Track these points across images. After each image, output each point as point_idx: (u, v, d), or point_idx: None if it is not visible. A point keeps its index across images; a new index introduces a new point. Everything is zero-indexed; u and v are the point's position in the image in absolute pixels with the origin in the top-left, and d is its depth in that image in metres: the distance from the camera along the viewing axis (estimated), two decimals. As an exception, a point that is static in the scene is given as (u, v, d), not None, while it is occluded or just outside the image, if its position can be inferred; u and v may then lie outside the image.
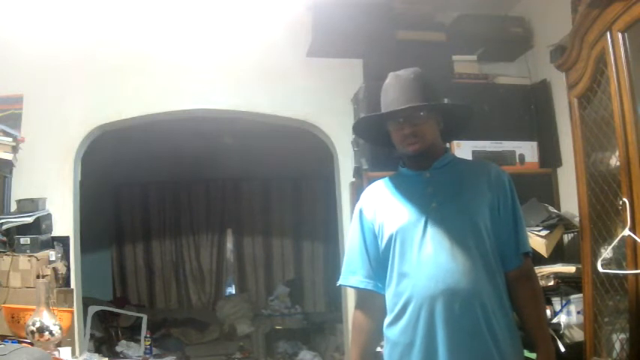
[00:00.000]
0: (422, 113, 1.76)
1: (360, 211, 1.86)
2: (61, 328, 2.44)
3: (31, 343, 2.38)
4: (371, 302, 1.82)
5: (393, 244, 1.74)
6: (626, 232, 1.92)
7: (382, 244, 1.78)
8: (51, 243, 3.04)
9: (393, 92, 1.79)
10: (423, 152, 1.78)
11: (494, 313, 1.66)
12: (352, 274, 1.84)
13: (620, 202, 1.97)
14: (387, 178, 1.90)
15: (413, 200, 1.77)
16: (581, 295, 2.31)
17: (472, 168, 1.87)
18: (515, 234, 1.74)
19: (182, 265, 7.08)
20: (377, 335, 1.82)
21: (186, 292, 7.04)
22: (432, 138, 1.79)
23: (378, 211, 1.81)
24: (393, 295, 1.74)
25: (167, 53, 3.40)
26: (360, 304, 1.87)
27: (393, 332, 1.73)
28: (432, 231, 1.70)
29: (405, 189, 1.82)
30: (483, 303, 1.64)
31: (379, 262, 1.79)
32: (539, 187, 3.11)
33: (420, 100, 1.76)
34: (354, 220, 1.87)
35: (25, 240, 2.87)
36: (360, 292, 1.86)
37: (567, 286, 2.53)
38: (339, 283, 1.87)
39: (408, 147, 1.77)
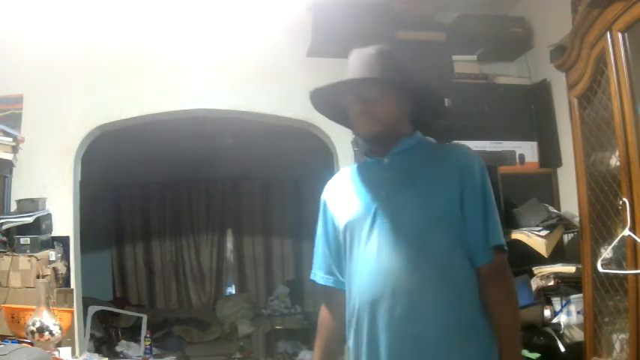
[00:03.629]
0: (376, 90, 1.56)
1: (324, 202, 1.71)
2: (61, 328, 2.44)
3: (31, 343, 2.38)
4: (332, 299, 1.69)
5: (344, 238, 1.60)
6: (626, 232, 1.92)
7: (340, 238, 1.63)
8: (51, 243, 3.03)
9: (351, 67, 1.64)
10: (378, 135, 1.58)
11: (448, 317, 1.45)
12: (317, 269, 1.72)
13: (620, 202, 1.97)
14: (353, 166, 1.75)
15: (366, 190, 1.60)
16: (581, 295, 2.31)
17: (437, 153, 1.65)
18: (484, 226, 1.53)
19: (182, 265, 7.08)
20: (338, 334, 1.69)
21: (186, 292, 7.04)
22: (389, 120, 1.58)
23: (336, 202, 1.67)
24: (347, 296, 1.60)
25: (167, 53, 3.40)
26: (324, 301, 1.74)
27: (348, 337, 1.60)
28: (380, 224, 1.52)
29: (363, 177, 1.64)
30: (434, 306, 1.45)
31: (341, 256, 1.65)
32: (539, 187, 3.11)
33: (376, 75, 1.57)
34: (320, 212, 1.73)
35: (25, 240, 2.86)
36: (324, 288, 1.72)
37: (567, 286, 2.53)
38: (311, 278, 1.75)
39: (360, 127, 1.60)
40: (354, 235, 1.56)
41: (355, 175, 1.68)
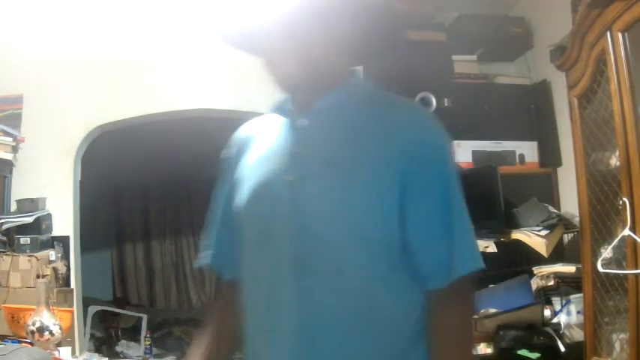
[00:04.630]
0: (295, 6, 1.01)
1: (226, 161, 1.20)
2: (61, 328, 2.44)
3: (31, 343, 2.38)
4: (223, 290, 1.22)
5: (237, 232, 1.12)
6: (626, 232, 1.92)
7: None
8: (51, 243, 3.04)
9: None
10: (296, 82, 1.05)
11: None
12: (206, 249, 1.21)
13: (620, 202, 1.97)
14: (264, 117, 1.20)
15: (267, 167, 1.06)
16: (581, 295, 2.31)
17: (379, 115, 1.04)
18: (441, 240, 1.00)
19: (182, 265, 7.08)
20: (228, 341, 1.19)
21: (186, 292, 7.04)
22: (319, 56, 1.04)
23: (235, 173, 1.15)
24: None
25: (167, 53, 3.40)
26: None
27: None
28: (278, 225, 1.01)
29: (268, 144, 1.10)
30: (337, 348, 0.98)
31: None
32: (539, 187, 3.11)
33: None
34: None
35: (25, 240, 2.86)
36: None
37: (567, 286, 2.53)
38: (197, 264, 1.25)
39: (272, 69, 1.06)
40: (245, 233, 1.08)
41: (260, 136, 1.15)
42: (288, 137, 1.07)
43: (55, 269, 2.90)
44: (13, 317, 2.49)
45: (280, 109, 1.12)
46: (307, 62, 1.03)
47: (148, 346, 4.96)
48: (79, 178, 3.33)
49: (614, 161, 2.11)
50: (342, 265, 0.98)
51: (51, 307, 2.46)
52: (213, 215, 1.22)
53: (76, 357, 2.79)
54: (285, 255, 1.00)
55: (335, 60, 1.07)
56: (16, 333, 2.48)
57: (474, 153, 3.12)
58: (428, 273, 1.01)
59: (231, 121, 3.91)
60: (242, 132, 1.20)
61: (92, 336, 4.70)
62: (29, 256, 2.81)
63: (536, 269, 2.64)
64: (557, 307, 2.49)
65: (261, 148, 1.11)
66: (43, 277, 2.75)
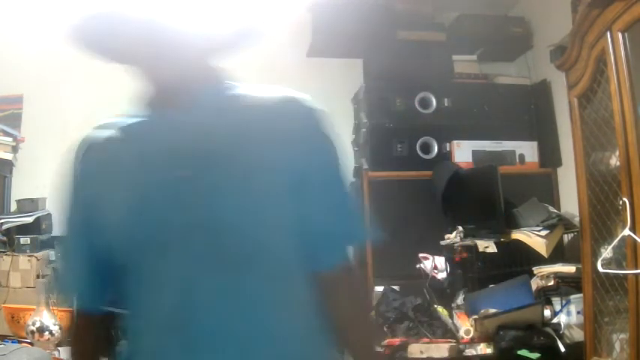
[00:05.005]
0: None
1: (77, 181, 1.07)
2: (61, 328, 2.44)
3: (31, 343, 2.37)
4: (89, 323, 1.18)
5: (121, 252, 1.02)
6: (626, 232, 1.92)
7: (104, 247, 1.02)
8: (51, 243, 3.03)
9: None
10: (178, 82, 1.02)
11: None
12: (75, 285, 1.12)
13: (620, 202, 1.97)
14: (115, 122, 1.10)
15: (154, 171, 0.99)
16: (581, 295, 2.30)
17: (264, 107, 1.06)
18: (331, 218, 1.04)
19: (182, 265, 7.08)
20: None
21: (186, 292, 7.05)
22: (192, 55, 1.05)
23: (103, 186, 1.03)
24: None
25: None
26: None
27: None
28: (184, 224, 0.96)
29: (144, 148, 1.02)
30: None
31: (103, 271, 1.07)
32: (539, 187, 3.11)
33: None
34: (69, 193, 1.08)
35: (25, 240, 2.87)
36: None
37: (567, 286, 2.52)
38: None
39: (149, 70, 1.02)
40: (134, 250, 0.99)
41: (124, 142, 1.05)
42: (169, 136, 1.00)
43: (55, 269, 2.90)
44: (13, 317, 2.49)
45: (147, 109, 1.05)
46: (181, 62, 1.02)
47: (148, 346, 4.95)
48: (79, 178, 3.33)
49: (614, 161, 2.11)
50: (258, 252, 0.97)
51: (51, 307, 2.46)
52: (73, 245, 1.08)
53: (76, 357, 2.79)
54: (202, 252, 0.95)
55: (205, 57, 1.07)
56: (16, 333, 2.48)
57: (474, 153, 3.13)
58: (318, 247, 1.03)
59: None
60: (94, 143, 1.10)
61: (92, 336, 4.70)
62: (29, 256, 2.81)
63: (536, 269, 2.64)
64: (557, 307, 2.49)
65: (134, 154, 1.02)
66: (43, 277, 2.75)
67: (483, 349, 2.40)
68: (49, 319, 2.40)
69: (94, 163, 1.06)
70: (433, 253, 2.88)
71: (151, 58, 1.00)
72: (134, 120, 1.07)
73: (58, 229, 3.14)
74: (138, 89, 1.06)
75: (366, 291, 1.25)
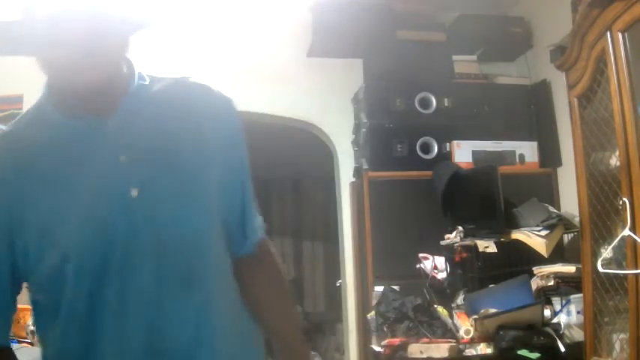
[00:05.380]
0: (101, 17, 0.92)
1: None
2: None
3: (31, 343, 2.38)
4: None
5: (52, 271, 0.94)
6: (626, 232, 1.92)
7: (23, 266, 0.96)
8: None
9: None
10: (102, 86, 0.93)
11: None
12: None
13: (620, 202, 1.97)
14: (14, 129, 0.99)
15: (93, 186, 0.92)
16: (581, 295, 2.31)
17: (182, 106, 1.05)
18: (243, 205, 1.10)
19: (182, 265, 7.09)
20: None
21: (186, 291, 7.05)
22: (116, 58, 0.98)
23: (21, 202, 0.92)
24: None
25: (167, 53, 3.40)
26: None
27: None
28: (137, 243, 0.93)
29: (70, 157, 0.94)
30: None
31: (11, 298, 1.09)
32: (539, 187, 3.11)
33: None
34: None
35: (25, 240, 2.86)
36: None
37: (567, 286, 2.52)
38: None
39: (70, 76, 0.91)
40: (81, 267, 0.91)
41: (55, 150, 0.95)
42: (101, 144, 0.94)
43: None
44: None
45: (65, 114, 0.96)
46: (107, 65, 0.94)
47: (148, 346, 4.95)
48: (79, 178, 3.33)
49: (614, 161, 2.11)
50: (203, 265, 0.99)
51: (51, 307, 2.46)
52: None
53: (76, 357, 2.79)
54: (160, 270, 0.93)
55: (125, 58, 1.01)
56: (16, 333, 2.48)
57: (474, 153, 3.13)
58: (235, 235, 1.08)
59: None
60: (8, 151, 0.97)
61: (92, 336, 4.70)
62: (29, 256, 2.80)
63: (536, 269, 2.64)
64: (557, 307, 2.49)
65: (59, 165, 0.93)
66: (43, 277, 2.74)
67: (483, 349, 2.40)
68: (49, 319, 2.40)
69: (11, 180, 0.93)
70: (433, 253, 2.88)
71: (78, 53, 0.89)
72: (50, 122, 0.97)
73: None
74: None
75: (284, 277, 1.20)
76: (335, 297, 5.83)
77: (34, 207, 0.92)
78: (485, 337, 2.41)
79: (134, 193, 0.93)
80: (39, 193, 0.92)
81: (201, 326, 0.96)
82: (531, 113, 3.28)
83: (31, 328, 2.36)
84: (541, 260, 2.65)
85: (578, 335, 2.37)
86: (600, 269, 2.05)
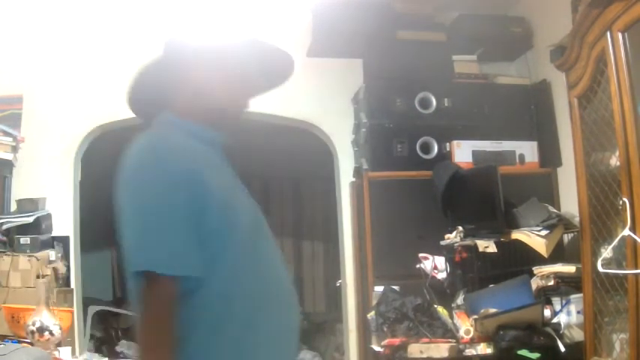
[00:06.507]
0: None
1: (198, 179, 1.24)
2: (61, 328, 2.44)
3: (31, 343, 2.37)
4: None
5: (244, 236, 1.34)
6: (626, 232, 1.92)
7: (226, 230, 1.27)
8: (51, 243, 3.03)
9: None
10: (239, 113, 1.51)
11: None
12: (189, 258, 1.20)
13: (620, 202, 1.97)
14: (190, 142, 1.32)
15: (231, 181, 1.42)
16: (581, 295, 2.31)
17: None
18: (132, 245, 1.29)
19: (182, 265, 7.07)
20: None
21: (185, 291, 7.04)
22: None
23: (219, 186, 1.29)
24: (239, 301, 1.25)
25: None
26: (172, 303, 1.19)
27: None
28: (265, 231, 1.51)
29: (219, 164, 1.40)
30: None
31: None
32: (539, 187, 3.11)
33: None
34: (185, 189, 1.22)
35: (25, 240, 2.86)
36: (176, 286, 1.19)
37: (567, 286, 2.53)
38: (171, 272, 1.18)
39: (231, 112, 1.44)
40: (258, 237, 1.42)
41: (211, 158, 1.36)
42: (228, 166, 1.41)
43: (55, 269, 2.90)
44: (13, 317, 2.49)
45: (212, 142, 1.39)
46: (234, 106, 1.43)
47: (148, 346, 4.95)
48: (79, 178, 3.33)
49: (614, 161, 2.11)
50: None
51: (51, 307, 2.46)
52: (181, 221, 1.22)
53: (76, 357, 2.79)
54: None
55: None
56: (16, 333, 2.48)
57: (474, 153, 3.13)
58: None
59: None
60: (197, 154, 1.30)
61: (92, 336, 4.70)
62: (29, 256, 2.80)
63: (536, 269, 2.64)
64: (557, 307, 2.49)
65: (223, 172, 1.38)
66: (43, 277, 2.74)
67: (483, 349, 2.40)
68: (49, 319, 2.40)
69: (203, 172, 1.27)
70: (433, 253, 2.88)
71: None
72: (208, 136, 1.38)
73: (58, 229, 3.14)
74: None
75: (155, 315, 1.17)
76: (335, 297, 5.84)
77: (227, 188, 1.34)
78: (485, 337, 2.42)
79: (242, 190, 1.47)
80: (219, 182, 1.31)
81: None
82: (531, 113, 3.29)
83: (31, 328, 2.36)
84: (541, 260, 2.65)
85: (578, 335, 2.37)
86: (600, 269, 2.05)
